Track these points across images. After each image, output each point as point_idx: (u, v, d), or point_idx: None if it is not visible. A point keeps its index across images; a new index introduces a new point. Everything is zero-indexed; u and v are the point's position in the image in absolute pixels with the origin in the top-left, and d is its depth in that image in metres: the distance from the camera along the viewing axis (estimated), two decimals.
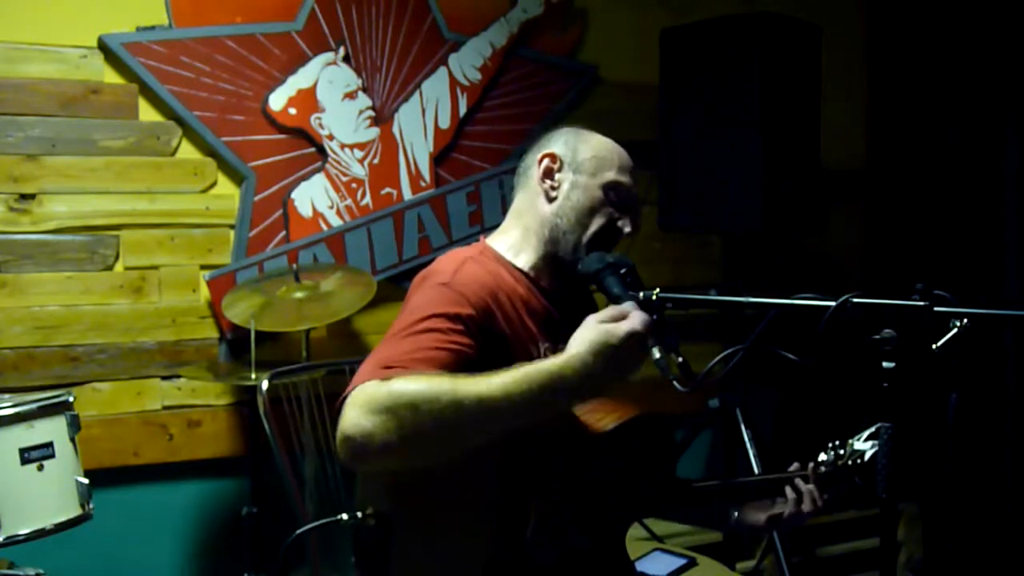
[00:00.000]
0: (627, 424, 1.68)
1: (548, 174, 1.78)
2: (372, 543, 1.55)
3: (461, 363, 1.51)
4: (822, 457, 1.84)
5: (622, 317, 1.47)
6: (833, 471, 1.81)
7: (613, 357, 1.44)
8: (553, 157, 1.78)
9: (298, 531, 1.62)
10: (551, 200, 1.76)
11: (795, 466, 1.86)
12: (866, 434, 1.80)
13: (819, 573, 3.53)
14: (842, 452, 1.82)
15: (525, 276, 1.76)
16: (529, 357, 1.70)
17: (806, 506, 1.81)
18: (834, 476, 1.81)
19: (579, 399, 1.52)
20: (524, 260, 1.77)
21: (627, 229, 1.78)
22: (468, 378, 1.42)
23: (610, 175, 1.76)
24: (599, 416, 1.70)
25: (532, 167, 1.80)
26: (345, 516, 1.54)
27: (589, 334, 1.45)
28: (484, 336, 1.59)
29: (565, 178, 1.77)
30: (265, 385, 2.53)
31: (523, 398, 1.40)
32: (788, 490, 1.83)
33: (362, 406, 1.40)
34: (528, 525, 1.60)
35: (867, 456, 1.78)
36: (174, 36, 2.99)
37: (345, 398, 1.45)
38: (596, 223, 1.75)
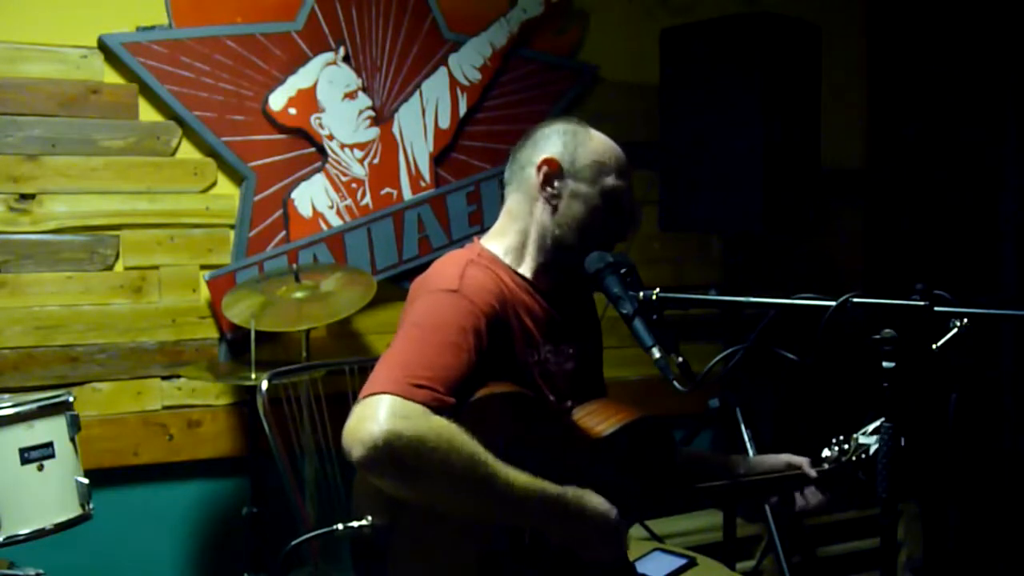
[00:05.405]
0: (625, 428, 1.68)
1: (548, 181, 1.75)
2: (370, 550, 1.55)
3: (472, 377, 1.54)
4: (826, 453, 1.84)
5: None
6: (837, 467, 1.81)
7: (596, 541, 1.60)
8: (553, 163, 1.75)
9: (294, 542, 1.61)
10: (552, 208, 1.75)
11: (801, 460, 1.85)
12: (871, 428, 1.80)
13: (819, 573, 3.53)
14: (846, 447, 1.82)
15: (525, 280, 1.75)
16: (531, 360, 1.71)
17: (810, 500, 1.82)
18: (838, 472, 1.81)
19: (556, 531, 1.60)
20: (523, 264, 1.77)
21: (627, 232, 1.78)
22: (499, 463, 1.49)
23: (609, 181, 1.75)
24: (597, 420, 1.71)
25: (529, 168, 1.77)
26: (341, 526, 1.55)
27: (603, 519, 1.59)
28: (492, 343, 1.60)
29: (565, 186, 1.74)
30: (265, 385, 2.53)
31: (532, 508, 1.52)
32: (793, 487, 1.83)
33: (396, 423, 1.41)
34: (526, 529, 1.60)
35: (871, 450, 1.78)
36: (174, 36, 2.99)
37: (366, 396, 1.45)
38: (597, 230, 1.74)
